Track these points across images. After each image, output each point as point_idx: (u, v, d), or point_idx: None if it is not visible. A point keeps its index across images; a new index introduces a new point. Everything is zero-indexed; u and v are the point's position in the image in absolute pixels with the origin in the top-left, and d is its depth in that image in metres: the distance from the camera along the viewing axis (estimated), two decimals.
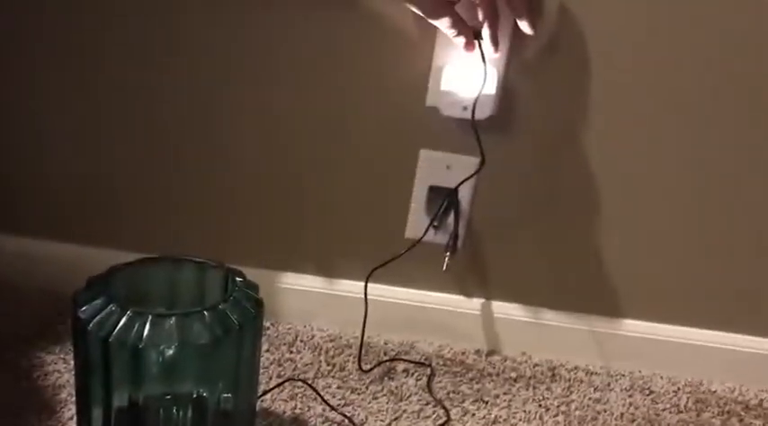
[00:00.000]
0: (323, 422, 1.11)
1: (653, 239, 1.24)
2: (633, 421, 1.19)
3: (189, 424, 0.94)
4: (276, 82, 1.19)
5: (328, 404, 1.14)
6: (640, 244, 1.24)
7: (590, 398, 1.23)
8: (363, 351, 1.26)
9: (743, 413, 1.24)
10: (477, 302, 1.31)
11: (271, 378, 1.18)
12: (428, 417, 1.15)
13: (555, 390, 1.24)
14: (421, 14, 1.05)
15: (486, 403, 1.19)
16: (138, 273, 0.95)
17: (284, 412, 1.12)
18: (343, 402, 1.16)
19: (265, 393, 1.14)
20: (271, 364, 1.22)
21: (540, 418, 1.18)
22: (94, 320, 0.84)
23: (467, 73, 1.11)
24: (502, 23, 1.07)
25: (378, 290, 1.27)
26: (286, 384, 1.17)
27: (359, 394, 1.18)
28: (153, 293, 0.96)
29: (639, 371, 1.30)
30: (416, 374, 1.24)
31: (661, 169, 1.19)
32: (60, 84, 1.22)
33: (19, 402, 1.08)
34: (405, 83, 1.16)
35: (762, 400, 1.27)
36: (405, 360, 1.26)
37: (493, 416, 1.16)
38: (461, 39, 1.07)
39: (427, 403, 1.18)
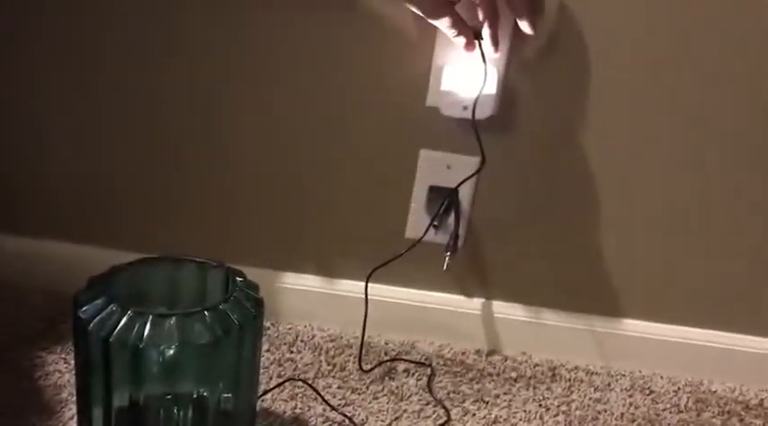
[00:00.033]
0: (323, 422, 1.11)
1: (653, 239, 1.24)
2: (633, 420, 1.19)
3: (189, 424, 0.94)
4: (276, 82, 1.19)
5: (329, 404, 1.14)
6: (641, 243, 1.24)
7: (590, 398, 1.23)
8: (364, 351, 1.26)
9: (743, 413, 1.24)
10: (477, 302, 1.31)
11: (271, 378, 1.18)
12: (428, 417, 1.15)
13: (555, 390, 1.24)
14: (421, 14, 1.05)
15: (487, 403, 1.19)
16: (139, 273, 0.95)
17: (284, 412, 1.12)
18: (343, 402, 1.16)
19: (266, 393, 1.14)
20: (271, 364, 1.22)
21: (541, 418, 1.17)
22: (95, 320, 0.84)
23: (467, 73, 1.11)
24: (502, 23, 1.07)
25: (378, 290, 1.27)
26: (286, 384, 1.17)
27: (359, 394, 1.18)
28: (153, 293, 0.96)
29: (640, 371, 1.30)
30: (417, 374, 1.24)
31: (661, 168, 1.19)
32: (60, 84, 1.22)
33: (20, 401, 1.08)
34: (405, 83, 1.16)
35: (762, 400, 1.27)
36: (405, 360, 1.26)
37: (493, 416, 1.16)
38: (461, 39, 1.07)
39: (428, 403, 1.18)
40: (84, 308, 0.85)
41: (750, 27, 1.10)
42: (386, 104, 1.18)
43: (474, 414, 1.17)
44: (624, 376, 1.29)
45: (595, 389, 1.25)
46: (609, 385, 1.26)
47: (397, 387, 1.20)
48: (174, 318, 0.85)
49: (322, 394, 1.16)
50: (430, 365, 1.26)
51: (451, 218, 1.23)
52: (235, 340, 0.88)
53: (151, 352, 0.85)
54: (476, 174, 1.18)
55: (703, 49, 1.11)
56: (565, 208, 1.23)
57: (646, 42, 1.12)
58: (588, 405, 1.21)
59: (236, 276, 0.94)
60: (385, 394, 1.18)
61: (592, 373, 1.29)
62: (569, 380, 1.26)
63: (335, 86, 1.19)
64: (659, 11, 1.09)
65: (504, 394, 1.22)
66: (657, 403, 1.24)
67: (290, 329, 1.31)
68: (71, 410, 1.07)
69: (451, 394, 1.20)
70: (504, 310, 1.30)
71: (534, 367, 1.29)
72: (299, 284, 1.31)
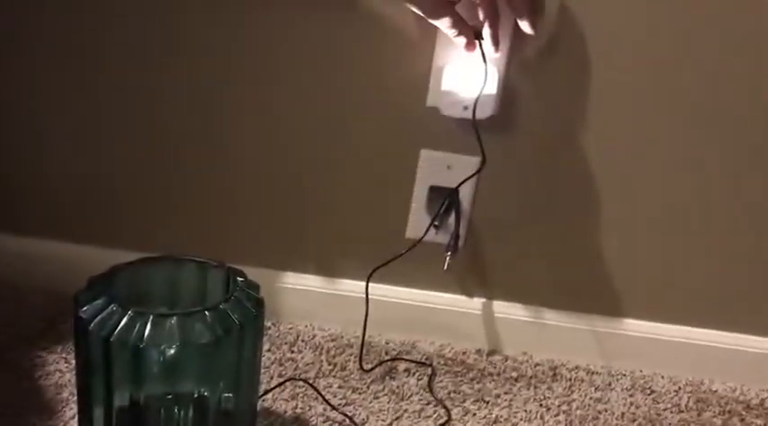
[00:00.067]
0: (324, 422, 1.11)
1: (654, 239, 1.24)
2: (634, 420, 1.19)
3: (190, 424, 0.94)
4: (276, 82, 1.19)
5: (329, 404, 1.14)
6: (641, 243, 1.24)
7: (591, 398, 1.23)
8: (364, 351, 1.25)
9: (744, 413, 1.23)
10: (478, 302, 1.31)
11: (272, 378, 1.18)
12: (429, 417, 1.15)
13: (556, 390, 1.24)
14: (421, 14, 1.05)
15: (488, 402, 1.19)
16: (140, 273, 0.95)
17: (285, 412, 1.12)
18: (344, 401, 1.16)
19: (266, 392, 1.14)
20: (272, 364, 1.22)
21: (541, 417, 1.17)
22: (96, 320, 0.84)
23: (467, 73, 1.11)
24: (502, 23, 1.07)
25: (379, 290, 1.27)
26: (287, 383, 1.17)
27: (360, 393, 1.18)
28: (154, 293, 0.96)
29: (640, 371, 1.30)
30: (417, 373, 1.24)
31: (661, 169, 1.19)
32: (60, 84, 1.22)
33: (20, 401, 1.08)
34: (405, 83, 1.16)
35: (763, 399, 1.27)
36: (406, 360, 1.26)
37: (494, 416, 1.16)
38: (462, 39, 1.07)
39: (428, 403, 1.18)
40: (85, 308, 0.85)
41: (750, 27, 1.10)
42: (386, 104, 1.18)
43: (475, 414, 1.17)
44: (625, 375, 1.29)
45: (596, 389, 1.25)
46: (610, 384, 1.26)
47: (397, 387, 1.20)
48: (174, 318, 0.85)
49: (323, 393, 1.16)
50: (431, 365, 1.26)
51: (452, 218, 1.23)
52: (235, 339, 0.88)
53: (152, 352, 0.85)
54: (476, 174, 1.18)
55: (704, 50, 1.11)
56: (565, 208, 1.23)
57: (646, 43, 1.12)
58: (589, 405, 1.21)
59: (236, 276, 0.94)
60: (386, 394, 1.18)
61: (592, 373, 1.28)
62: (570, 380, 1.26)
63: (335, 86, 1.18)
64: (660, 12, 1.09)
65: (505, 393, 1.21)
66: (658, 402, 1.24)
67: (290, 329, 1.31)
68: (72, 409, 1.07)
69: (452, 394, 1.20)
70: (505, 310, 1.30)
71: (535, 366, 1.29)
72: (300, 284, 1.31)
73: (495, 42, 1.07)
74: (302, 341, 1.28)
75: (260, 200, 1.27)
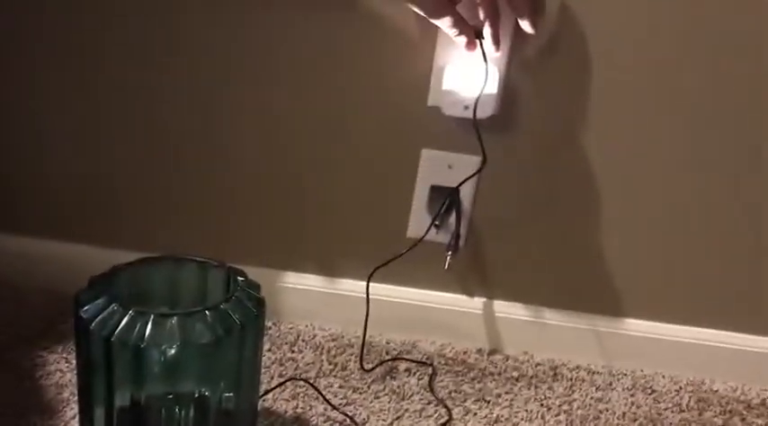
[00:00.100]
0: (324, 422, 1.11)
1: (655, 238, 1.24)
2: (635, 420, 1.19)
3: (191, 424, 0.94)
4: (276, 82, 1.19)
5: (330, 404, 1.14)
6: (642, 243, 1.24)
7: (592, 397, 1.23)
8: (365, 351, 1.25)
9: (745, 413, 1.23)
10: (478, 301, 1.31)
11: (272, 378, 1.18)
12: (430, 416, 1.15)
13: (557, 389, 1.24)
14: (422, 14, 1.05)
15: (488, 402, 1.19)
16: (140, 273, 0.95)
17: (286, 412, 1.12)
18: (344, 401, 1.16)
19: (267, 392, 1.14)
20: (272, 363, 1.22)
21: (542, 417, 1.17)
22: (97, 319, 0.84)
23: (468, 72, 1.11)
24: (503, 22, 1.07)
25: (379, 290, 1.27)
26: (288, 383, 1.17)
27: (361, 393, 1.18)
28: (155, 292, 0.96)
29: (641, 370, 1.30)
30: (418, 373, 1.24)
31: (662, 168, 1.19)
32: (60, 84, 1.22)
33: (21, 401, 1.08)
34: (406, 82, 1.16)
35: (764, 399, 1.27)
36: (406, 360, 1.26)
37: (495, 415, 1.16)
38: (463, 39, 1.07)
39: (429, 403, 1.18)
40: (86, 308, 0.85)
41: (750, 27, 1.09)
42: (387, 104, 1.18)
43: (475, 414, 1.16)
44: (626, 375, 1.29)
45: (597, 388, 1.25)
46: (610, 384, 1.26)
47: (398, 387, 1.20)
48: (175, 318, 0.85)
49: (323, 393, 1.16)
50: (431, 364, 1.26)
51: (453, 218, 1.23)
52: (236, 339, 0.88)
53: (152, 352, 0.84)
54: (477, 174, 1.18)
55: (704, 50, 1.11)
56: (566, 208, 1.23)
57: (647, 42, 1.11)
58: (590, 405, 1.21)
59: (237, 275, 0.94)
60: (386, 394, 1.18)
61: (593, 372, 1.28)
62: (571, 379, 1.26)
63: (336, 86, 1.18)
64: (661, 11, 1.09)
65: (506, 393, 1.21)
66: (659, 402, 1.24)
67: (291, 328, 1.31)
68: (73, 409, 1.07)
69: (453, 394, 1.20)
70: (506, 309, 1.30)
71: (536, 366, 1.29)
72: (301, 283, 1.31)
73: (496, 42, 1.08)
74: (303, 340, 1.28)
75: (260, 200, 1.27)
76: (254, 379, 0.98)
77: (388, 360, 1.26)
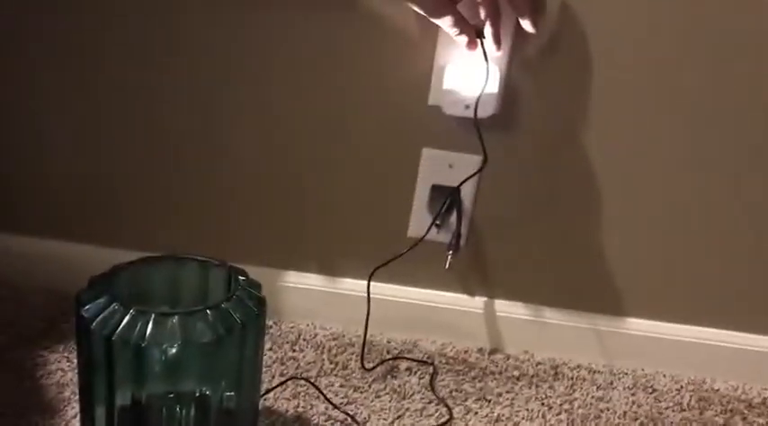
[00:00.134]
0: (325, 421, 1.11)
1: (655, 237, 1.24)
2: (636, 419, 1.19)
3: (192, 423, 0.94)
4: (276, 82, 1.19)
5: (331, 403, 1.14)
6: (643, 242, 1.24)
7: (593, 396, 1.23)
8: (366, 350, 1.26)
9: (746, 412, 1.23)
10: (479, 300, 1.31)
11: (273, 377, 1.18)
12: (431, 415, 1.15)
13: (558, 388, 1.24)
14: (423, 13, 1.05)
15: (489, 401, 1.19)
16: (141, 272, 0.95)
17: (287, 411, 1.12)
18: (345, 400, 1.15)
19: (268, 391, 1.14)
20: (273, 362, 1.22)
21: (543, 416, 1.17)
22: (98, 319, 0.84)
23: (469, 71, 1.11)
24: (504, 22, 1.07)
25: (380, 289, 1.28)
26: (289, 382, 1.17)
27: (362, 392, 1.18)
28: (156, 292, 0.96)
29: (642, 369, 1.30)
30: (419, 372, 1.24)
31: (662, 167, 1.19)
32: (60, 84, 1.22)
33: (23, 400, 1.08)
34: (407, 82, 1.16)
35: (765, 398, 1.27)
36: (407, 359, 1.26)
37: (496, 414, 1.16)
38: (463, 38, 1.07)
39: (430, 402, 1.17)
40: (87, 307, 0.85)
41: (750, 27, 1.09)
42: (388, 104, 1.18)
43: (476, 413, 1.16)
44: (627, 374, 1.29)
45: (598, 388, 1.25)
46: (611, 383, 1.26)
47: (399, 386, 1.20)
48: (176, 317, 0.85)
49: (324, 392, 1.16)
50: (432, 363, 1.26)
51: (453, 217, 1.23)
52: (237, 338, 0.88)
53: (153, 351, 0.85)
54: (478, 173, 1.17)
55: (705, 50, 1.11)
56: (567, 207, 1.23)
57: (647, 42, 1.12)
58: (591, 404, 1.21)
59: (238, 275, 0.94)
60: (387, 393, 1.18)
61: (594, 371, 1.28)
62: (572, 379, 1.26)
63: (336, 86, 1.18)
64: (661, 11, 1.09)
65: (507, 392, 1.21)
66: (660, 401, 1.24)
67: (292, 328, 1.31)
68: (74, 409, 1.07)
69: (454, 393, 1.20)
70: (507, 309, 1.30)
71: (537, 365, 1.29)
72: (302, 283, 1.31)
73: (497, 41, 1.08)
74: (304, 340, 1.28)
75: (261, 200, 1.27)
76: (255, 378, 0.98)
77: (389, 360, 1.26)
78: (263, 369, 1.05)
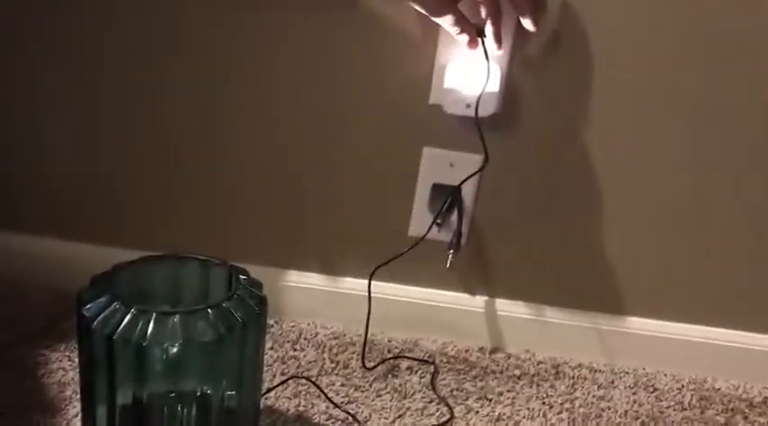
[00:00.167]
0: (326, 420, 1.11)
1: (656, 236, 1.24)
2: (637, 418, 1.19)
3: (193, 422, 0.94)
4: (276, 82, 1.19)
5: (332, 402, 1.14)
6: (644, 241, 1.24)
7: (594, 396, 1.23)
8: (367, 349, 1.26)
9: (747, 411, 1.23)
10: (480, 300, 1.31)
11: (274, 376, 1.18)
12: (432, 414, 1.15)
13: (559, 388, 1.24)
14: (424, 12, 1.05)
15: (490, 400, 1.19)
16: (142, 271, 0.95)
17: (288, 410, 1.12)
18: (346, 399, 1.15)
19: (269, 390, 1.14)
20: (274, 362, 1.22)
21: (544, 415, 1.17)
22: (99, 318, 0.84)
23: (470, 70, 1.11)
24: (505, 20, 1.07)
25: (381, 288, 1.28)
26: (290, 381, 1.17)
27: (362, 391, 1.18)
28: (157, 291, 0.96)
29: (643, 368, 1.30)
30: (420, 371, 1.24)
31: (662, 167, 1.19)
32: (60, 84, 1.22)
33: (24, 399, 1.08)
34: (408, 81, 1.16)
35: (766, 397, 1.27)
36: (408, 358, 1.26)
37: (497, 413, 1.16)
38: (464, 37, 1.07)
39: (431, 401, 1.17)
40: (88, 306, 0.85)
41: (750, 27, 1.09)
42: (389, 103, 1.18)
43: (477, 412, 1.16)
44: (628, 373, 1.29)
45: (599, 387, 1.25)
46: (612, 382, 1.26)
47: (400, 385, 1.20)
48: (177, 316, 0.85)
49: (325, 391, 1.16)
50: (433, 362, 1.26)
51: (454, 216, 1.22)
52: (238, 337, 0.88)
53: (155, 350, 0.85)
54: (479, 172, 1.17)
55: (705, 49, 1.11)
56: (568, 206, 1.23)
57: (648, 41, 1.12)
58: (592, 403, 1.21)
59: (239, 274, 0.94)
60: (388, 392, 1.18)
61: (595, 371, 1.28)
62: (573, 378, 1.26)
63: (336, 86, 1.19)
64: (661, 10, 1.09)
65: (508, 391, 1.21)
66: (661, 400, 1.24)
67: (293, 327, 1.31)
68: (75, 408, 1.07)
69: (455, 392, 1.20)
70: (508, 308, 1.30)
71: (538, 364, 1.28)
72: (303, 282, 1.31)
73: (498, 40, 1.07)
74: (305, 339, 1.28)
75: (262, 199, 1.27)
76: (256, 377, 0.98)
77: (390, 359, 1.26)
78: (264, 368, 1.05)
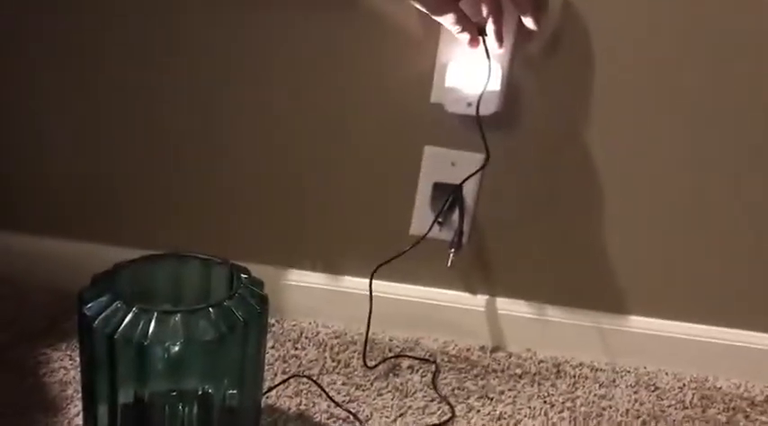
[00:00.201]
0: (328, 418, 1.11)
1: (657, 235, 1.24)
2: (638, 417, 1.19)
3: (194, 421, 0.94)
4: (276, 82, 1.19)
5: (333, 401, 1.14)
6: (644, 240, 1.24)
7: (595, 394, 1.23)
8: (368, 348, 1.26)
9: (748, 410, 1.23)
10: (481, 298, 1.31)
11: (276, 375, 1.18)
12: (433, 413, 1.15)
13: (560, 386, 1.24)
14: (425, 11, 1.05)
15: (491, 399, 1.19)
16: (144, 270, 0.95)
17: (289, 409, 1.12)
18: (347, 398, 1.16)
19: (270, 389, 1.14)
20: (276, 360, 1.22)
21: (545, 414, 1.17)
22: (100, 317, 0.84)
23: (471, 69, 1.11)
24: (506, 19, 1.07)
25: (382, 287, 1.27)
26: (291, 380, 1.17)
27: (364, 390, 1.18)
28: (158, 290, 0.96)
29: (645, 367, 1.30)
30: (421, 370, 1.24)
31: (663, 166, 1.19)
32: (60, 84, 1.22)
33: (25, 399, 1.08)
34: (409, 80, 1.16)
35: None
36: (409, 357, 1.26)
37: (498, 412, 1.16)
38: (466, 36, 1.07)
39: (432, 400, 1.17)
40: (89, 305, 0.85)
41: (750, 27, 1.09)
42: (390, 102, 1.18)
43: (479, 411, 1.16)
44: (629, 372, 1.29)
45: (600, 385, 1.25)
46: (614, 381, 1.26)
47: (401, 384, 1.20)
48: (178, 315, 0.85)
49: (326, 390, 1.16)
50: (434, 361, 1.26)
51: (456, 215, 1.22)
52: (239, 336, 0.88)
53: (156, 349, 0.85)
54: (480, 171, 1.17)
55: (706, 48, 1.11)
56: (569, 205, 1.23)
57: (648, 42, 1.11)
58: (593, 402, 1.21)
59: (240, 273, 0.94)
60: (389, 391, 1.18)
61: (596, 369, 1.28)
62: (574, 377, 1.26)
63: (336, 85, 1.19)
64: (662, 9, 1.09)
65: (509, 390, 1.21)
66: (662, 399, 1.24)
67: (294, 326, 1.31)
68: (76, 407, 1.07)
69: (456, 391, 1.20)
70: (509, 307, 1.30)
71: (539, 363, 1.28)
72: (304, 281, 1.31)
73: (499, 38, 1.07)
74: (306, 338, 1.28)
75: (262, 198, 1.27)
76: (258, 376, 0.98)
77: (391, 358, 1.26)
78: (266, 367, 1.05)
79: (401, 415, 1.13)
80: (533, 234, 1.25)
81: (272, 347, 1.24)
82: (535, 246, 1.26)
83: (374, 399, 1.16)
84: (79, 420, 1.04)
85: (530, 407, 1.18)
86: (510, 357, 1.29)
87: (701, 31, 1.10)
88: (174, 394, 0.92)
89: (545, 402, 1.20)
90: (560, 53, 1.13)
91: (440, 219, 1.22)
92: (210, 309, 0.86)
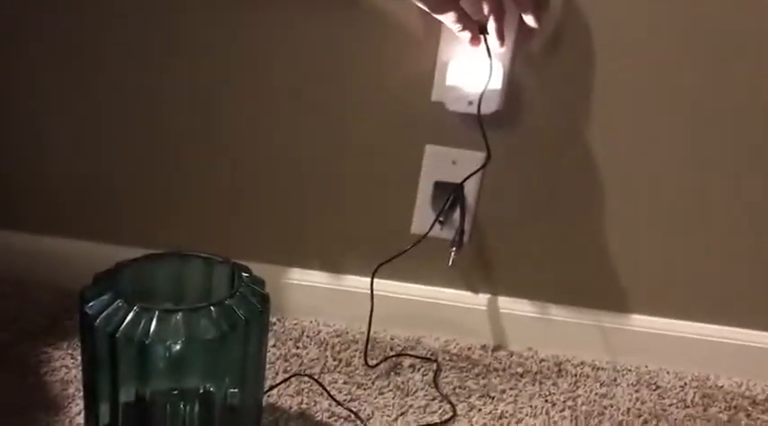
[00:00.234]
0: (329, 417, 1.11)
1: (658, 234, 1.24)
2: (640, 416, 1.19)
3: (196, 419, 0.94)
4: (276, 82, 1.19)
5: (334, 399, 1.14)
6: (645, 239, 1.24)
7: (596, 393, 1.22)
8: (369, 347, 1.26)
9: (750, 408, 1.23)
10: (483, 297, 1.31)
11: (277, 374, 1.18)
12: (434, 412, 1.15)
13: (561, 385, 1.24)
14: (426, 9, 1.05)
15: (493, 398, 1.19)
16: (145, 269, 0.95)
17: (290, 408, 1.12)
18: (349, 397, 1.15)
19: (272, 388, 1.14)
20: (277, 359, 1.21)
21: (547, 413, 1.17)
22: (101, 315, 0.84)
23: (472, 68, 1.11)
24: (507, 17, 1.07)
25: (384, 286, 1.27)
26: (292, 379, 1.17)
27: (365, 389, 1.18)
28: (159, 288, 0.96)
29: (646, 366, 1.30)
30: (422, 369, 1.24)
31: (664, 166, 1.19)
32: (60, 84, 1.22)
33: (27, 397, 1.08)
34: (410, 78, 1.16)
35: None
36: (411, 356, 1.26)
37: (499, 411, 1.16)
38: (467, 34, 1.06)
39: (433, 399, 1.17)
40: (91, 304, 0.85)
41: (750, 27, 1.09)
42: (390, 101, 1.18)
43: (480, 410, 1.16)
44: (630, 371, 1.28)
45: (601, 384, 1.25)
46: (615, 380, 1.26)
47: (402, 383, 1.20)
48: (180, 314, 0.85)
49: (328, 389, 1.15)
50: (436, 360, 1.26)
51: (457, 214, 1.22)
52: (241, 335, 0.88)
53: (157, 348, 0.85)
54: (481, 170, 1.17)
55: (706, 48, 1.11)
56: (570, 204, 1.23)
57: (648, 41, 1.11)
58: (594, 401, 1.21)
59: (241, 271, 0.94)
60: (391, 390, 1.18)
61: (598, 368, 1.28)
62: (575, 375, 1.26)
63: (337, 84, 1.18)
64: (662, 8, 1.09)
65: (510, 389, 1.21)
66: (664, 398, 1.23)
67: (295, 324, 1.31)
68: (78, 405, 1.07)
69: (457, 390, 1.20)
70: (510, 305, 1.30)
71: (540, 362, 1.28)
72: (305, 280, 1.31)
73: (500, 37, 1.07)
74: (307, 336, 1.28)
75: (263, 197, 1.27)
76: (259, 375, 0.98)
77: (393, 356, 1.26)
78: (267, 366, 1.06)
79: (402, 414, 1.13)
80: (535, 232, 1.25)
81: (274, 346, 1.24)
82: (536, 245, 1.26)
83: (375, 398, 1.16)
84: (80, 418, 1.04)
85: (531, 406, 1.18)
86: (511, 356, 1.29)
87: (702, 30, 1.10)
88: (176, 392, 0.92)
89: (546, 401, 1.20)
90: (561, 51, 1.13)
91: (441, 218, 1.22)
92: (212, 308, 0.86)
